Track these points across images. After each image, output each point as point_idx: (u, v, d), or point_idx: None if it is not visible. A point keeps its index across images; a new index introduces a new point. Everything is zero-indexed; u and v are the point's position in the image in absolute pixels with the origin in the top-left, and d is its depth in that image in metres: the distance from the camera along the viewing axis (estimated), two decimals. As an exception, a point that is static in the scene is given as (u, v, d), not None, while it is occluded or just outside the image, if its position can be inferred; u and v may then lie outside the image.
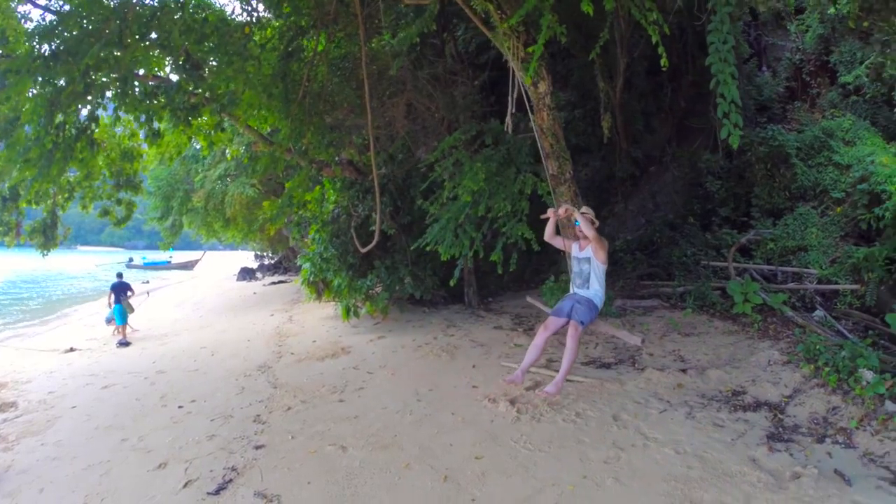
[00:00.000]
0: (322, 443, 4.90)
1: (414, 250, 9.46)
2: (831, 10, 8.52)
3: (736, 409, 4.89)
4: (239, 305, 15.73)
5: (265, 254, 30.77)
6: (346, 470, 4.32)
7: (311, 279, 10.34)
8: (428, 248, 7.71)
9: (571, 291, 4.40)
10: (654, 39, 4.69)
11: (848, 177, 8.90)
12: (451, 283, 8.25)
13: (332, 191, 10.29)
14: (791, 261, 8.43)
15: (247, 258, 33.44)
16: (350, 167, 10.12)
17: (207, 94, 7.40)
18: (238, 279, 23.96)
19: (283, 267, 26.38)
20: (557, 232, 5.67)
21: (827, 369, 4.87)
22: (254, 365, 8.14)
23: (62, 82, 5.25)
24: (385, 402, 5.90)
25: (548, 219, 5.40)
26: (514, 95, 5.10)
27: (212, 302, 17.31)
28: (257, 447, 4.91)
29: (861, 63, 9.68)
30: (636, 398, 5.30)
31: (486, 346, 7.85)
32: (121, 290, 11.79)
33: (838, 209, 8.57)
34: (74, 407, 6.59)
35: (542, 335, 4.75)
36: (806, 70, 11.65)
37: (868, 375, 4.77)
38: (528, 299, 9.08)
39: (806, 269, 7.92)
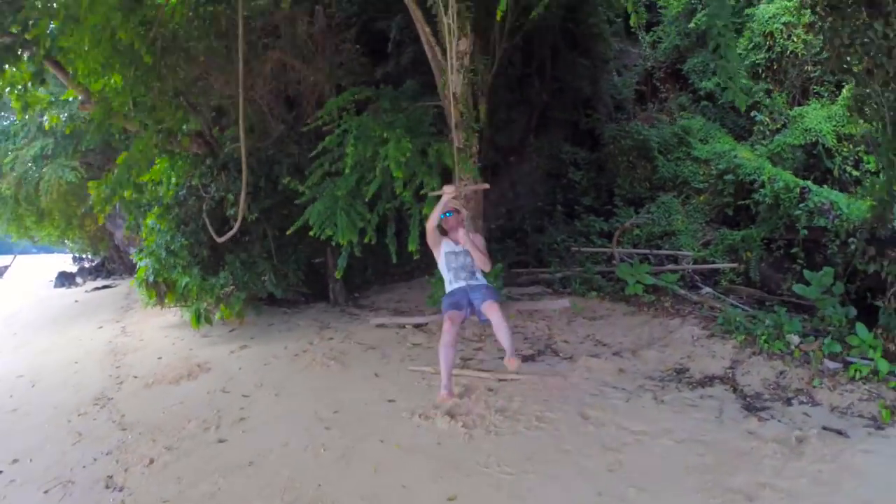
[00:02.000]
0: (218, 513, 3.29)
1: (276, 241, 7.95)
2: (692, 25, 9.73)
3: (693, 386, 4.64)
4: (60, 317, 12.36)
5: (85, 255, 25.33)
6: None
7: (152, 279, 7.90)
8: (313, 234, 6.32)
9: (458, 286, 3.60)
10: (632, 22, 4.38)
11: (710, 169, 9.98)
12: (337, 274, 7.25)
13: (172, 169, 8.04)
14: (660, 245, 9.03)
15: (64, 261, 26.88)
16: (199, 139, 8.01)
17: (27, 36, 5.22)
18: (56, 286, 19.60)
19: (105, 270, 22.29)
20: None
21: (763, 337, 4.91)
22: (88, 397, 5.92)
23: None
24: (282, 435, 4.37)
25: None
26: (453, 52, 4.12)
27: (27, 315, 13.33)
28: (122, 532, 3.11)
29: (713, 73, 11.14)
30: (589, 390, 4.72)
31: (380, 349, 6.65)
32: None
33: (701, 198, 9.53)
34: None
35: (450, 332, 3.85)
36: (657, 76, 12.98)
37: (795, 340, 4.94)
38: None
39: (681, 252, 8.51)
